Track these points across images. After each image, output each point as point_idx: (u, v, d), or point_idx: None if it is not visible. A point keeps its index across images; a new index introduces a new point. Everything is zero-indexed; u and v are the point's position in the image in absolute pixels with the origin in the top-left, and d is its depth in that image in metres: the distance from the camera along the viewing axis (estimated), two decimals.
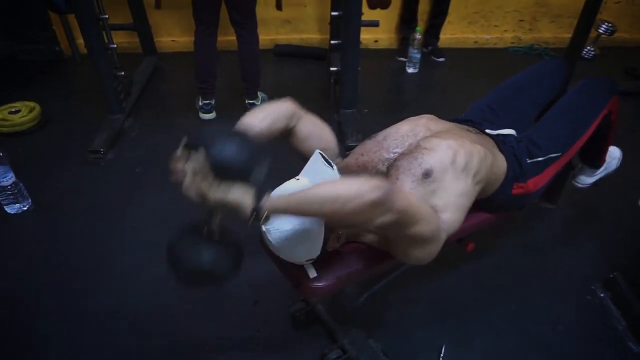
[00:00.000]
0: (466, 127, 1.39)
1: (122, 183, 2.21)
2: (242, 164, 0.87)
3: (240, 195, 0.87)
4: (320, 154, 1.08)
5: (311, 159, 1.10)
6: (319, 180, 1.05)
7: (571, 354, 1.49)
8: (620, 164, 1.80)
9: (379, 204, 0.86)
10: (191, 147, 0.87)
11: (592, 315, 1.59)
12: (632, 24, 3.44)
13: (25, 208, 2.03)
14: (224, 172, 0.85)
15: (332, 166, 1.05)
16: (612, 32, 3.20)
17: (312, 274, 1.10)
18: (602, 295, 1.65)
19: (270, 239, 1.04)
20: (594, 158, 1.72)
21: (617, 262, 1.63)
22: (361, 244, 1.19)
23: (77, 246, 1.87)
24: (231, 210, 0.88)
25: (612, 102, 1.47)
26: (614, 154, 1.77)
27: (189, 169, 0.86)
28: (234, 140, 0.88)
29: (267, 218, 0.92)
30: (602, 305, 1.62)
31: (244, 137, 0.92)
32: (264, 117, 1.12)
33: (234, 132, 0.94)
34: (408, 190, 1.09)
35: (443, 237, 1.08)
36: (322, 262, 1.12)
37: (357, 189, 0.87)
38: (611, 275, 1.63)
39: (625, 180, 2.09)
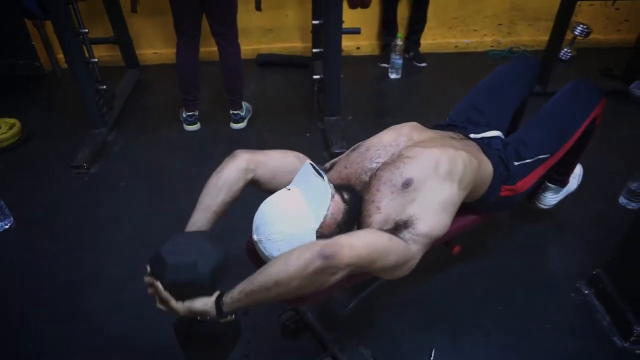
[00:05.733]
0: (450, 133, 1.40)
1: (106, 198, 2.19)
2: (197, 280, 0.96)
3: (202, 304, 0.97)
4: (311, 164, 1.08)
5: (302, 168, 1.10)
6: (310, 190, 1.06)
7: (558, 351, 1.51)
8: (581, 181, 1.84)
9: (324, 270, 0.89)
10: (154, 273, 1.00)
11: (577, 312, 1.62)
12: (606, 26, 3.53)
13: (7, 226, 2.00)
14: (181, 293, 0.97)
15: (322, 176, 1.05)
16: (588, 34, 3.28)
17: None
18: (586, 292, 1.67)
19: (261, 248, 1.05)
20: (565, 172, 1.73)
21: (600, 259, 1.66)
22: None
23: (61, 263, 1.84)
24: (200, 316, 0.99)
25: (601, 105, 1.51)
26: (575, 171, 1.80)
27: (156, 291, 1.00)
28: (181, 262, 0.97)
29: (235, 313, 1.00)
30: (587, 302, 1.64)
31: (192, 254, 0.98)
32: (217, 191, 1.12)
33: (184, 246, 1.00)
34: (384, 204, 1.09)
35: (416, 250, 1.05)
36: None
37: (295, 267, 0.89)
38: (594, 272, 1.66)
39: (605, 178, 2.14)
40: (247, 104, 2.75)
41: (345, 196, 1.12)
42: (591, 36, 3.31)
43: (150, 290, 1.02)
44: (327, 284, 0.92)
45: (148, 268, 1.03)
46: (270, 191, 1.21)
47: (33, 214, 2.09)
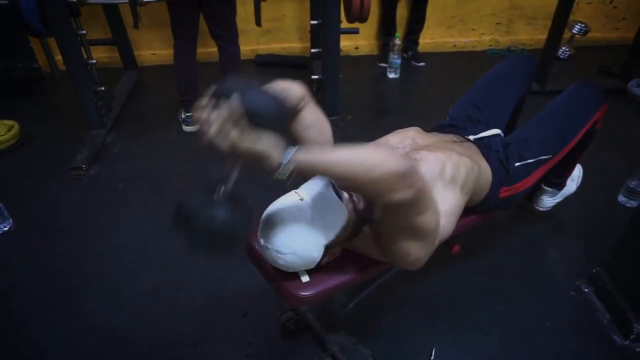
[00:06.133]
0: (452, 137, 1.41)
1: (105, 199, 2.19)
2: (276, 112, 0.85)
3: (270, 146, 0.83)
4: (332, 182, 1.07)
5: (318, 181, 1.09)
6: (325, 208, 1.04)
7: (559, 350, 1.51)
8: (581, 183, 1.84)
9: (404, 176, 0.87)
10: (222, 94, 0.83)
11: (577, 311, 1.62)
12: (604, 24, 3.53)
13: (6, 229, 1.99)
14: (258, 118, 0.82)
15: (341, 198, 1.06)
16: (586, 32, 3.27)
17: (305, 279, 1.10)
18: (586, 290, 1.67)
19: (268, 255, 1.05)
20: (563, 174, 1.73)
21: (599, 258, 1.66)
22: (349, 251, 1.20)
23: (61, 265, 1.84)
24: (258, 160, 0.83)
25: (603, 109, 1.51)
26: (574, 173, 1.80)
27: (219, 116, 0.81)
28: (266, 90, 0.88)
29: (291, 174, 0.88)
30: (587, 300, 1.64)
31: (274, 91, 0.91)
32: (280, 91, 1.04)
33: (256, 83, 0.90)
34: None
35: (436, 241, 1.10)
36: (309, 270, 1.13)
37: (385, 157, 0.87)
38: (594, 271, 1.66)
39: (604, 177, 2.14)
40: None
41: (360, 205, 1.10)
42: (589, 34, 3.31)
43: (201, 126, 0.83)
44: (389, 196, 0.88)
45: (209, 93, 0.85)
46: (294, 135, 1.16)
47: (32, 216, 2.09)
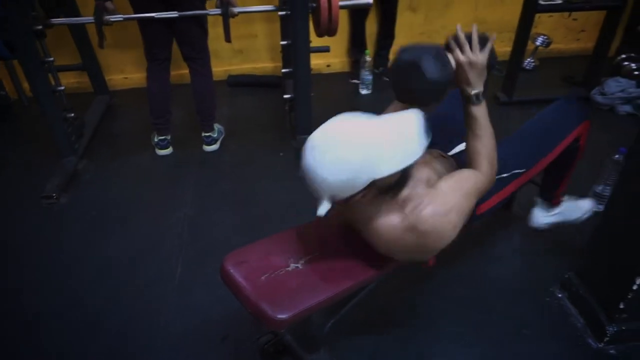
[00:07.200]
0: (437, 152, 1.44)
1: (78, 228, 2.14)
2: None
3: (484, 68, 1.23)
4: (424, 117, 1.07)
5: (410, 110, 1.08)
6: (403, 139, 1.03)
7: (537, 356, 1.53)
8: (588, 217, 1.90)
9: (494, 168, 1.26)
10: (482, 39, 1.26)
11: (553, 316, 1.65)
12: (565, 35, 3.67)
13: None
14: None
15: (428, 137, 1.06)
16: (548, 44, 3.40)
17: (321, 211, 1.04)
18: (559, 295, 1.71)
19: (312, 157, 0.98)
20: (552, 188, 1.78)
21: (571, 263, 1.70)
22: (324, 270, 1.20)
23: (34, 299, 1.79)
24: (479, 70, 1.22)
25: (583, 126, 1.56)
26: (583, 206, 1.87)
27: (472, 40, 1.22)
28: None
29: (474, 99, 1.22)
30: (561, 305, 1.67)
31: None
32: None
33: None
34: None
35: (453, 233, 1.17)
36: (283, 292, 1.13)
37: (493, 161, 1.25)
38: (566, 276, 1.69)
39: (575, 183, 2.20)
40: (219, 126, 2.75)
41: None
42: (552, 46, 3.43)
43: (458, 42, 1.23)
44: (487, 168, 1.24)
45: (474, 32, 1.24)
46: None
47: (2, 247, 2.03)
